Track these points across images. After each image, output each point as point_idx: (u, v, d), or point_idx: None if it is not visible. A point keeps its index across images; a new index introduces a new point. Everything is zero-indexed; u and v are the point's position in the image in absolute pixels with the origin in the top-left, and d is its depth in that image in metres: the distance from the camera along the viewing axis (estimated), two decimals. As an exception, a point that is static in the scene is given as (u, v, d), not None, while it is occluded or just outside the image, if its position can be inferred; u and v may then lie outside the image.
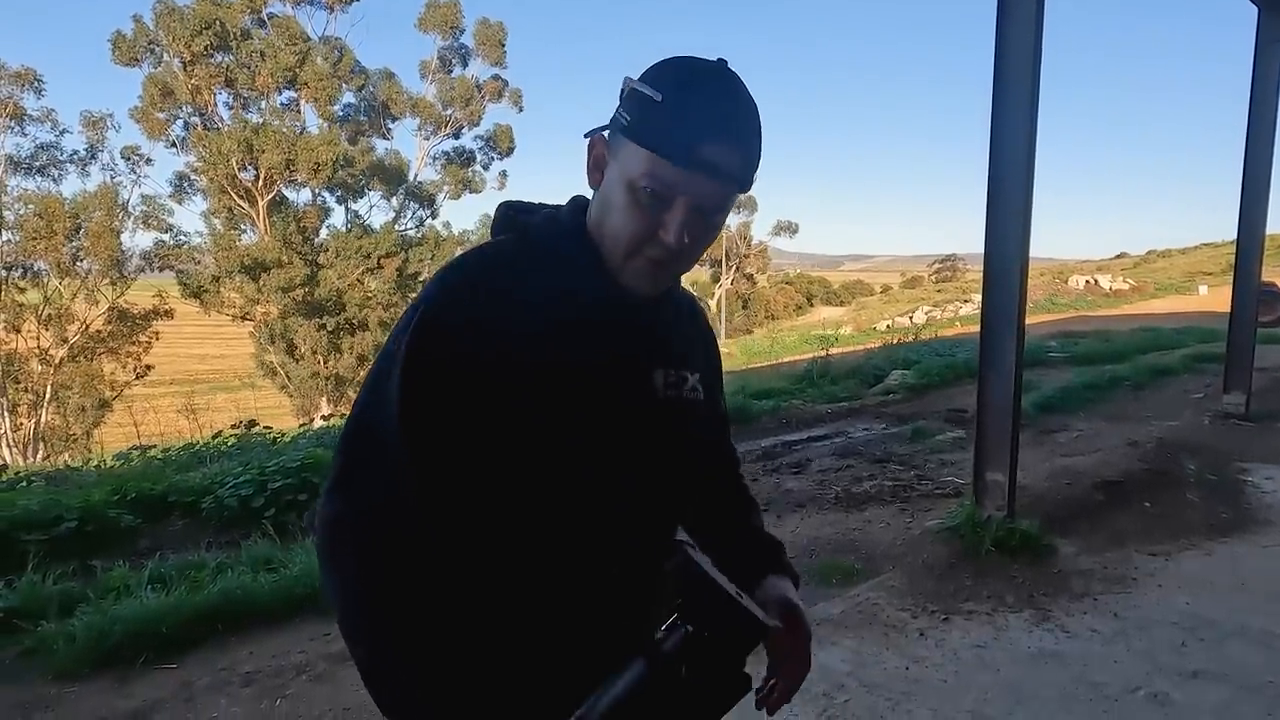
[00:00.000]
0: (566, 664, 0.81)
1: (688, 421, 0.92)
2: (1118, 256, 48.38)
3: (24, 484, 4.92)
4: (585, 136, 0.86)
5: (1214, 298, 22.35)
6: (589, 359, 0.82)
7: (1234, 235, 6.16)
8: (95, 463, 6.37)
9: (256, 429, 6.78)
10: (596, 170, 0.85)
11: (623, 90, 0.81)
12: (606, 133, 0.83)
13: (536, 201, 0.94)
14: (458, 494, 0.79)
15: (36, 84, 19.01)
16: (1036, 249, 3.44)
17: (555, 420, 0.79)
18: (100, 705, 2.43)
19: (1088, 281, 30.75)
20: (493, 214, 0.91)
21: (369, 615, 0.79)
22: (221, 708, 2.42)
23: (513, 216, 0.90)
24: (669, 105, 0.76)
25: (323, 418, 15.78)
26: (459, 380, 0.77)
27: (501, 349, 0.78)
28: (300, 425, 9.72)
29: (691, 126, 0.76)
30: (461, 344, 0.78)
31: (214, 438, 6.36)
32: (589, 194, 0.89)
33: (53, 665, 2.64)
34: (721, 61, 0.80)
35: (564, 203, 0.92)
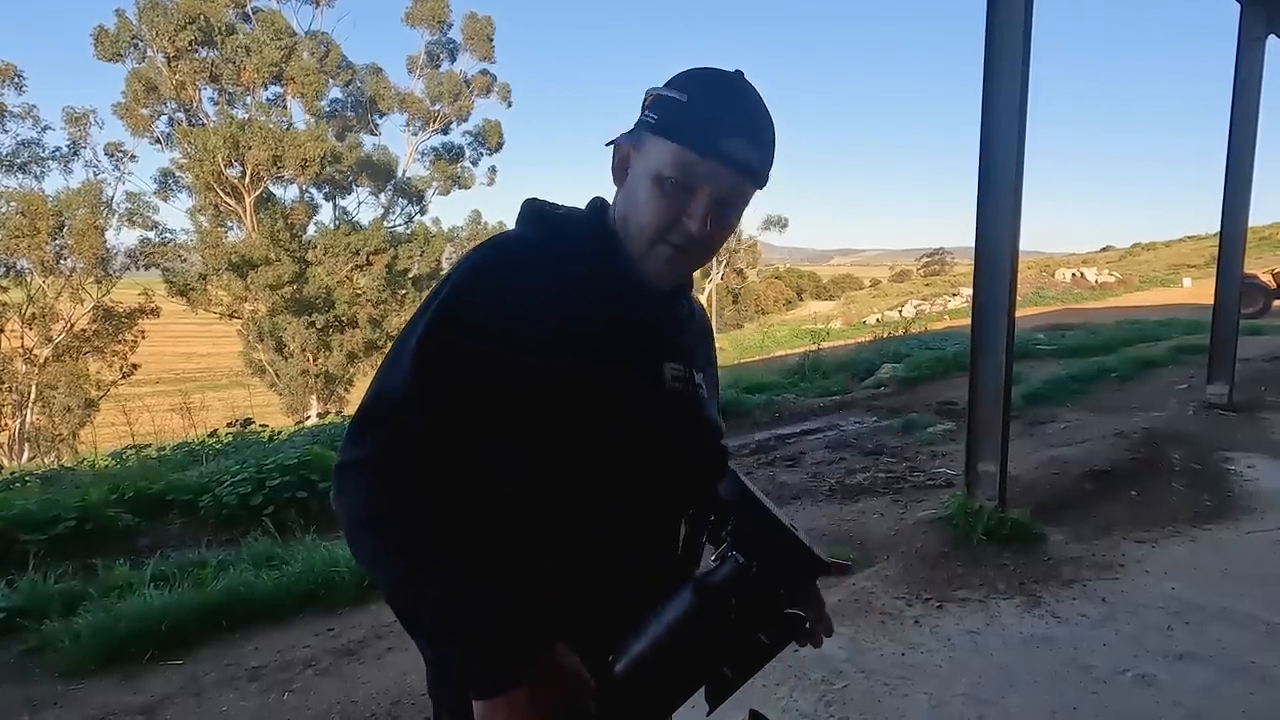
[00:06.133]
0: (575, 606, 0.84)
1: (692, 413, 0.95)
2: (1103, 249, 48.81)
3: (19, 484, 4.90)
4: (608, 145, 0.93)
5: (1198, 290, 22.63)
6: (604, 344, 0.86)
7: (1217, 228, 6.24)
8: (90, 462, 6.34)
9: (251, 427, 6.76)
10: (621, 171, 0.92)
11: (645, 101, 0.89)
12: (630, 139, 0.90)
13: (556, 201, 0.98)
14: (459, 441, 0.81)
15: (17, 80, 18.74)
16: (1023, 243, 3.49)
17: (566, 397, 0.83)
18: (109, 701, 2.45)
19: (1074, 275, 31.02)
20: (520, 207, 0.95)
21: (372, 537, 0.80)
22: (230, 702, 2.45)
23: (538, 210, 0.94)
24: (694, 104, 0.85)
25: (318, 415, 15.73)
26: (479, 347, 0.81)
27: (524, 326, 0.82)
28: (295, 423, 9.70)
29: (715, 122, 0.84)
30: (488, 315, 0.82)
31: (209, 436, 6.34)
32: (586, 194, 0.97)
33: (58, 663, 2.66)
34: (739, 72, 0.88)
35: (584, 204, 0.97)
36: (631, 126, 0.90)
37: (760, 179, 0.88)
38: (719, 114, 0.85)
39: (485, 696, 0.77)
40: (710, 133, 0.84)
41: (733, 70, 0.88)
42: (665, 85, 0.88)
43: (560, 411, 0.83)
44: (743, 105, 0.87)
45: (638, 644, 0.71)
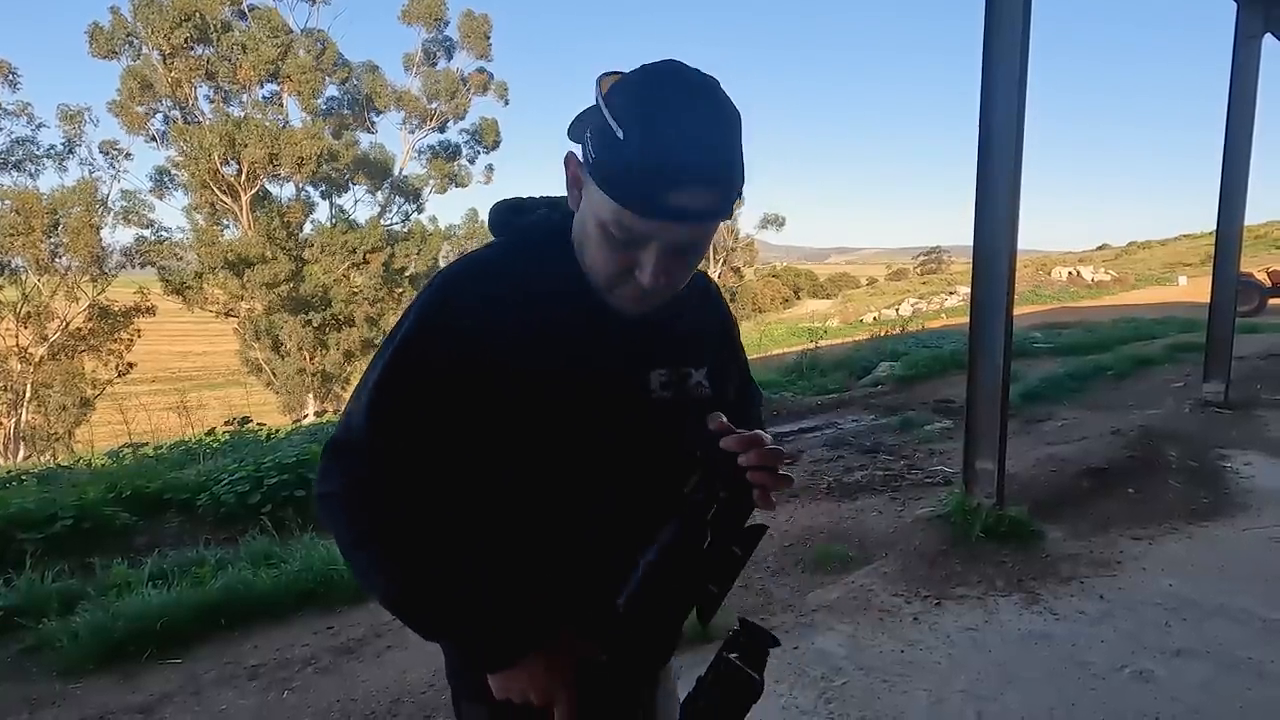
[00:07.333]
0: (564, 602, 0.88)
1: (690, 415, 0.90)
2: (1099, 248, 48.87)
3: (16, 483, 4.88)
4: (569, 133, 0.84)
5: (1193, 288, 22.70)
6: (576, 362, 0.83)
7: (1213, 227, 6.25)
8: (86, 461, 6.32)
9: (248, 425, 6.75)
10: (575, 188, 0.82)
11: (600, 87, 0.76)
12: (579, 154, 0.80)
13: (533, 196, 0.95)
14: (432, 462, 0.83)
15: (11, 77, 18.71)
16: (1020, 241, 3.50)
17: (538, 421, 0.83)
18: (108, 700, 2.44)
19: (1070, 273, 31.09)
20: (488, 213, 0.93)
21: (364, 555, 0.83)
22: (229, 700, 2.44)
23: (508, 219, 0.91)
24: (633, 147, 0.70)
25: (315, 414, 15.70)
26: (452, 372, 0.80)
27: (498, 348, 0.80)
28: (293, 421, 9.68)
29: (657, 177, 0.70)
30: (460, 339, 0.80)
31: (207, 435, 6.33)
32: None
33: (56, 662, 2.65)
34: (695, 72, 0.73)
35: (560, 197, 0.90)
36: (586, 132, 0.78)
37: (722, 214, 0.75)
38: (663, 160, 0.69)
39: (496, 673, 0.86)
40: (652, 191, 0.70)
41: (691, 70, 0.73)
42: (608, 93, 0.73)
43: (540, 430, 0.83)
44: (692, 135, 0.70)
45: (634, 578, 0.79)
